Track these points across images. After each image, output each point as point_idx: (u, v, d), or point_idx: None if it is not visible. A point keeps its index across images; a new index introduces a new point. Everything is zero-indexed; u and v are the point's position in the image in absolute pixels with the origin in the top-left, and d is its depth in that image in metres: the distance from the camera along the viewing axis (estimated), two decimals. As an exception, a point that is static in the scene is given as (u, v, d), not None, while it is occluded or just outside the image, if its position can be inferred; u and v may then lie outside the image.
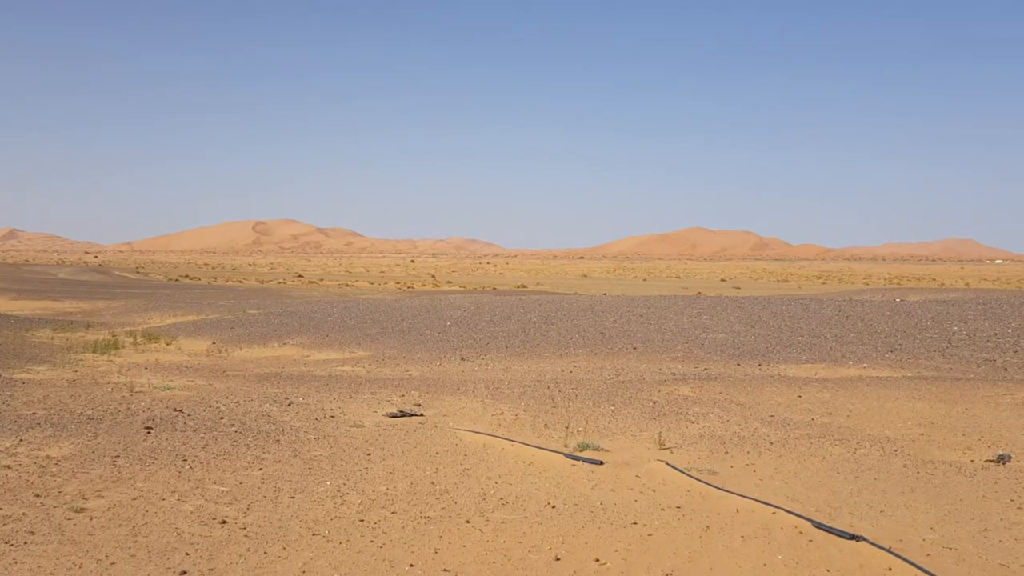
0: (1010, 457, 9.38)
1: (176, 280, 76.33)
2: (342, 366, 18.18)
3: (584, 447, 9.70)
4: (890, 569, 5.81)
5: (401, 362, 18.76)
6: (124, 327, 25.84)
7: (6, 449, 8.81)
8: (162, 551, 6.09)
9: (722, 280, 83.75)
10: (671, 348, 20.89)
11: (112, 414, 10.97)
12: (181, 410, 11.39)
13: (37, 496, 7.23)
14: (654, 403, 12.76)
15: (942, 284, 72.54)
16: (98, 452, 8.84)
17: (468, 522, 6.93)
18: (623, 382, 15.12)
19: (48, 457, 8.56)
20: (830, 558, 6.05)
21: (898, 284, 72.41)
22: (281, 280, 77.95)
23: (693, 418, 11.62)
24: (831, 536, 6.41)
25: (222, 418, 10.97)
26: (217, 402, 12.20)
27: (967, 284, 73.43)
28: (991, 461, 9.26)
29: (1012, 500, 7.72)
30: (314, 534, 6.57)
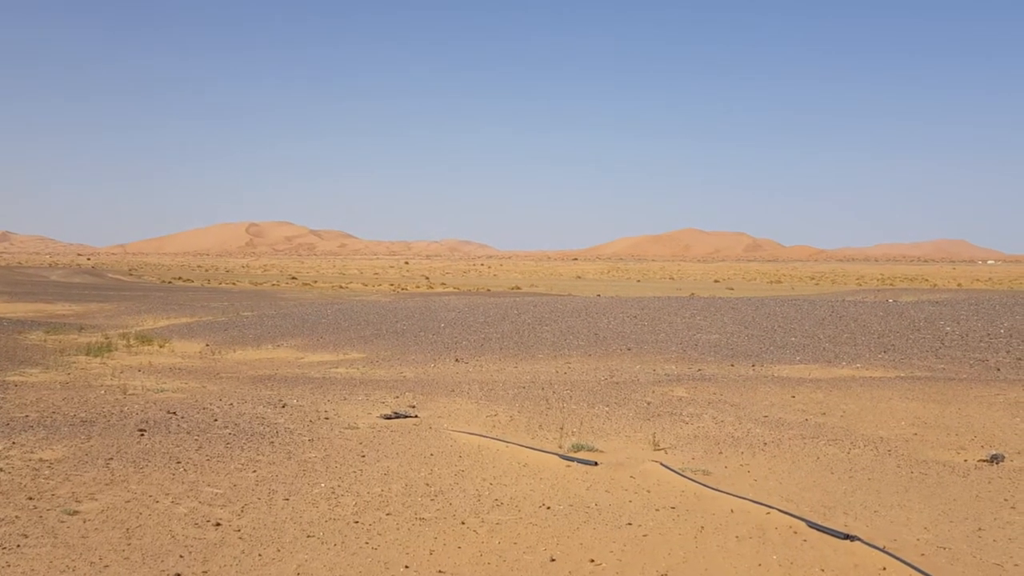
0: (1003, 457, 9.41)
1: (169, 282, 76.18)
2: (336, 368, 18.16)
3: (579, 448, 9.71)
4: (884, 569, 5.82)
5: (395, 364, 18.74)
6: (117, 329, 25.75)
7: (-1, 452, 8.77)
8: (156, 553, 6.07)
9: (716, 281, 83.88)
10: (665, 349, 20.91)
11: (105, 417, 10.93)
12: (174, 412, 11.36)
13: (30, 499, 7.19)
14: (648, 404, 12.77)
15: (934, 285, 72.78)
16: (91, 455, 8.81)
17: (463, 523, 6.92)
18: (617, 383, 15.13)
19: (41, 460, 8.53)
20: (825, 558, 6.06)
21: (891, 285, 72.63)
22: (275, 282, 77.87)
23: (687, 419, 11.63)
24: (825, 536, 6.42)
25: (216, 420, 10.95)
26: (211, 404, 12.17)
27: (959, 284, 73.69)
28: (984, 461, 9.29)
29: (1006, 500, 7.74)
30: (308, 536, 6.55)
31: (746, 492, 7.83)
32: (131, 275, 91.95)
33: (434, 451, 9.54)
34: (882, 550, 6.09)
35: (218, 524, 6.76)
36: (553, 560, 6.12)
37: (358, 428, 10.76)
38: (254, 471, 8.46)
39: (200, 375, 16.15)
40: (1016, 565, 6.01)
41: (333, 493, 7.74)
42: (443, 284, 69.18)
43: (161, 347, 21.36)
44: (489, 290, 57.71)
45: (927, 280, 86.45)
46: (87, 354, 18.62)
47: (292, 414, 11.57)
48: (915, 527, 6.87)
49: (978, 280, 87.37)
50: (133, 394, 12.91)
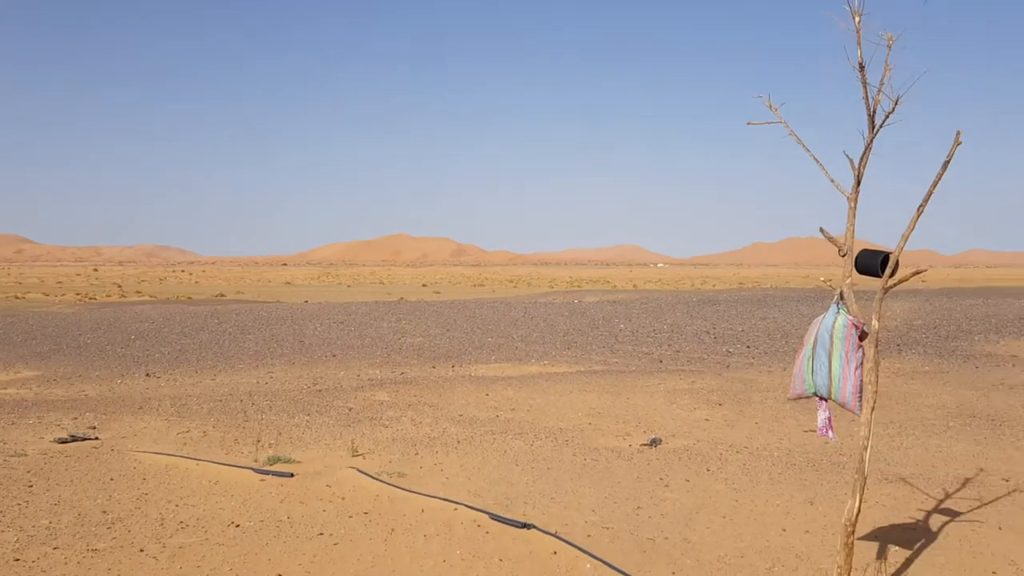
0: (661, 440, 10.65)
1: None
2: (4, 388, 16.16)
3: (275, 460, 9.51)
4: (555, 552, 6.37)
5: (76, 381, 17.07)
6: None
7: None
8: None
9: (424, 285, 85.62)
10: (370, 354, 21.08)
11: None
12: None
13: None
14: (350, 410, 12.81)
15: (614, 286, 79.96)
16: None
17: (142, 551, 6.52)
18: (320, 391, 15.00)
19: None
20: (503, 548, 6.50)
21: (578, 286, 78.65)
22: (-78, 292, 67.17)
23: (387, 422, 11.84)
24: (506, 527, 6.89)
25: None
26: None
27: (635, 285, 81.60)
28: (645, 445, 10.44)
29: (661, 479, 8.77)
30: (-45, 583, 5.83)
31: (438, 491, 8.16)
32: None
33: (115, 475, 8.86)
34: (554, 535, 6.66)
35: None
36: (240, 579, 5.97)
37: (27, 455, 9.69)
38: None
39: None
40: (666, 538, 6.85)
41: (-12, 531, 6.93)
42: (138, 292, 63.76)
43: None
44: (190, 298, 54.22)
45: (608, 282, 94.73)
46: None
47: (-61, 445, 10.14)
48: (585, 510, 7.58)
49: (650, 281, 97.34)
50: None
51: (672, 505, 7.79)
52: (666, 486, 8.49)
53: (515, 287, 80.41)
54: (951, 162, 5.11)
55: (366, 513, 7.48)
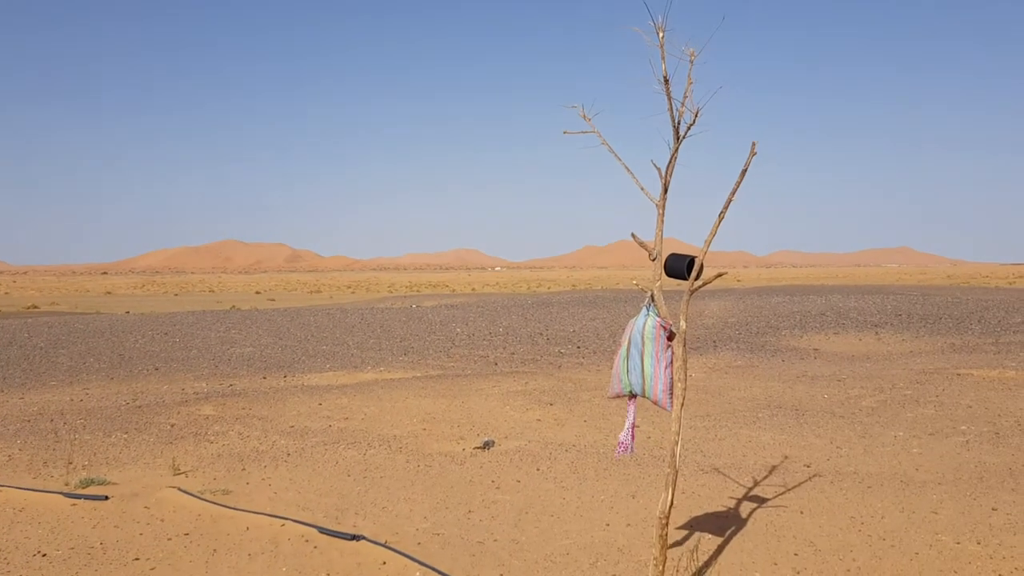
0: (494, 442, 10.79)
1: None
2: None
3: (88, 483, 8.93)
4: (385, 563, 6.33)
5: None
6: None
7: None
8: None
9: (257, 293, 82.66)
10: (196, 366, 20.13)
11: None
12: None
13: None
14: (172, 426, 12.20)
15: (453, 290, 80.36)
16: None
17: (-72, 591, 5.95)
18: (140, 407, 14.18)
19: None
20: (331, 561, 6.39)
21: (417, 291, 78.48)
22: None
23: (212, 437, 11.36)
24: (335, 539, 6.77)
25: None
26: None
27: (473, 289, 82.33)
28: (479, 448, 10.56)
29: (493, 481, 8.89)
30: None
31: (265, 507, 7.91)
32: None
33: None
34: (384, 545, 6.61)
35: None
36: (43, 614, 5.56)
37: None
38: None
39: None
40: (496, 540, 6.95)
41: None
42: (-68, 306, 57.94)
43: None
44: (-7, 310, 49.84)
45: (447, 286, 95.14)
46: None
47: None
48: (416, 518, 7.58)
49: (488, 285, 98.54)
50: None
51: (503, 507, 7.92)
52: (497, 488, 8.62)
53: (353, 293, 79.21)
54: (748, 171, 5.48)
55: (187, 534, 7.14)
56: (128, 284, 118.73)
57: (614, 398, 5.83)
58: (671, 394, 5.45)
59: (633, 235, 5.79)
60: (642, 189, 5.61)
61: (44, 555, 6.73)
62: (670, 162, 5.51)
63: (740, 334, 25.47)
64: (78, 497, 8.32)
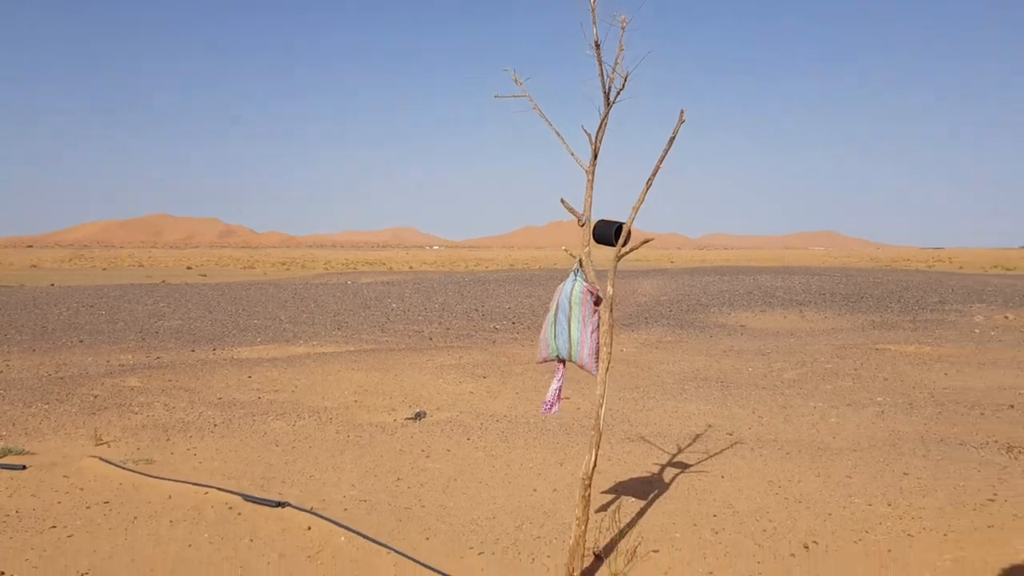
0: (425, 413, 10.80)
1: None
2: None
3: (6, 452, 8.68)
4: (309, 528, 6.29)
5: None
6: None
7: None
8: None
9: (188, 268, 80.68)
10: (123, 339, 19.64)
11: None
12: None
13: None
14: (95, 397, 11.90)
15: (391, 268, 79.79)
16: None
17: None
18: (63, 378, 13.79)
19: None
20: (256, 528, 6.33)
21: (354, 268, 77.69)
22: None
23: (137, 408, 11.13)
24: (259, 507, 6.71)
25: None
26: None
27: (411, 267, 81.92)
28: (410, 419, 10.55)
29: (423, 451, 8.90)
30: None
31: (189, 475, 7.79)
32: None
33: None
34: (309, 511, 6.58)
35: None
36: (-48, 582, 5.41)
37: None
38: None
39: None
40: (423, 506, 6.97)
41: None
42: None
43: None
44: (-98, 283, 47.70)
45: (384, 264, 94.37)
46: None
47: None
48: (344, 485, 7.55)
49: (426, 263, 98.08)
50: None
51: (432, 475, 7.94)
52: (427, 457, 8.63)
53: (288, 270, 78.00)
54: (676, 139, 5.56)
55: (107, 502, 6.99)
56: (55, 257, 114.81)
57: (542, 363, 5.90)
58: (596, 358, 5.52)
59: (563, 200, 5.82)
60: (572, 154, 5.65)
61: (-45, 524, 6.53)
62: (600, 127, 5.55)
63: (671, 311, 25.89)
64: (-7, 468, 8.07)
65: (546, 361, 5.78)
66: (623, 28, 5.44)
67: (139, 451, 8.87)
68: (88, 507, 6.88)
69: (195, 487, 7.26)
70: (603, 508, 6.80)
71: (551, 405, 5.77)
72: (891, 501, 6.91)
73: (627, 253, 5.63)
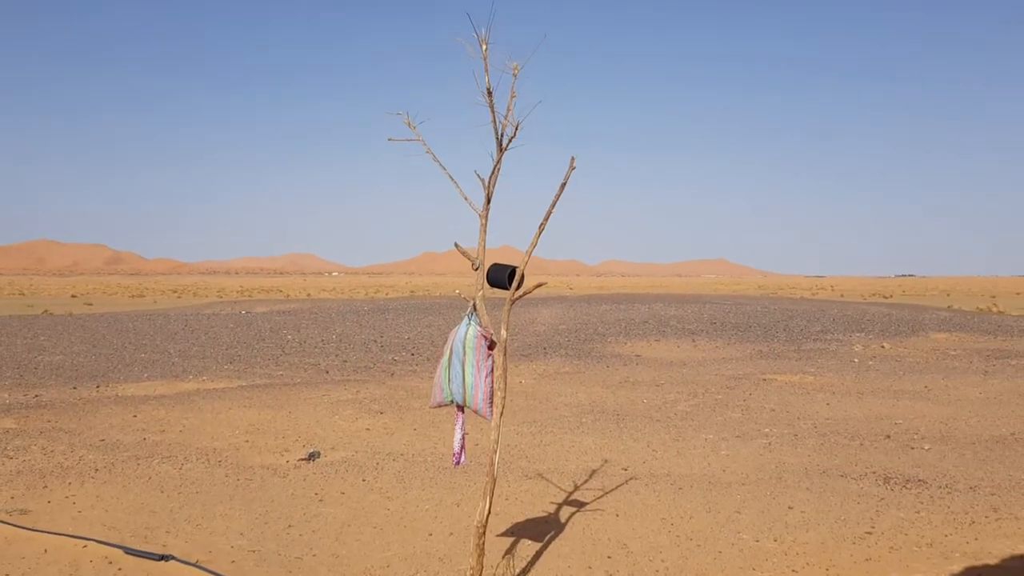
0: (320, 453, 10.57)
1: None
2: None
3: None
4: (196, 581, 6.07)
5: None
6: None
7: None
8: None
9: (73, 296, 76.97)
10: (-5, 376, 18.54)
11: None
12: None
13: None
14: (-36, 442, 11.18)
15: (288, 295, 78.10)
16: None
17: None
18: (-74, 421, 12.91)
19: None
20: (137, 583, 6.06)
21: (250, 296, 75.70)
22: None
23: (12, 452, 10.50)
24: (142, 560, 6.42)
25: None
26: None
27: (308, 295, 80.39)
28: (303, 459, 10.31)
29: (316, 494, 8.70)
30: None
31: (67, 527, 7.39)
32: None
33: None
34: (195, 564, 6.33)
35: None
36: None
37: None
38: None
39: None
40: (315, 555, 6.81)
41: None
42: None
43: None
44: None
45: (281, 291, 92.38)
46: None
47: None
48: (233, 534, 7.30)
49: (324, 291, 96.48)
50: None
51: (324, 520, 7.77)
52: (320, 501, 8.45)
53: (179, 298, 75.39)
54: (567, 184, 5.67)
55: (-27, 561, 6.56)
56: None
57: (436, 407, 5.86)
58: (491, 403, 5.54)
59: (456, 244, 5.86)
60: (465, 199, 5.69)
61: None
62: (493, 173, 5.61)
63: (569, 340, 26.23)
64: None
65: (440, 406, 5.76)
66: (515, 75, 5.54)
67: (13, 500, 8.38)
68: (-49, 566, 6.44)
69: (73, 539, 6.90)
70: (500, 552, 6.79)
71: (459, 456, 5.75)
72: (777, 536, 7.14)
73: (520, 297, 5.69)
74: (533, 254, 5.82)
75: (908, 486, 8.80)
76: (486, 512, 5.40)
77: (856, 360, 20.88)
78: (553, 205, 5.70)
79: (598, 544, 6.99)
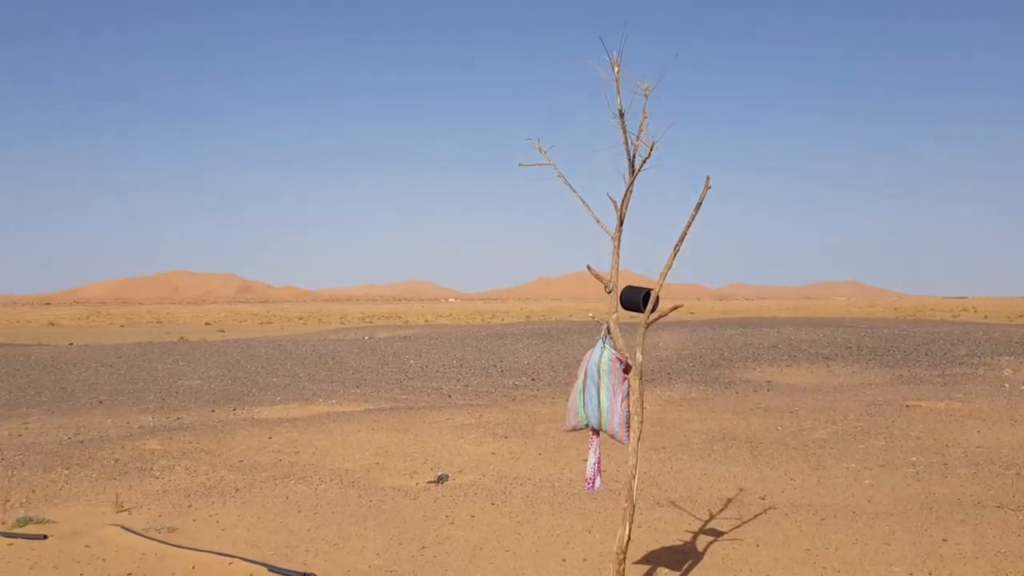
0: (448, 476, 10.65)
1: None
2: None
3: (26, 521, 8.58)
4: (336, 600, 6.16)
5: None
6: None
7: None
8: None
9: (207, 324, 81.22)
10: (142, 399, 19.63)
11: None
12: None
13: None
14: (116, 461, 11.85)
15: (406, 321, 79.87)
16: None
17: None
18: (83, 441, 13.76)
19: None
20: (281, 600, 6.20)
21: (370, 322, 77.83)
22: None
23: (158, 472, 11.05)
24: (284, 577, 6.58)
25: None
26: None
27: (427, 320, 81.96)
28: (432, 482, 10.40)
29: (447, 516, 8.75)
30: None
31: (212, 544, 7.68)
32: None
33: None
34: (335, 582, 6.44)
35: None
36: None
37: None
38: None
39: None
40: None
41: None
42: None
43: None
44: (-75, 342, 48.17)
45: (400, 317, 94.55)
46: None
47: None
48: (369, 554, 7.41)
49: (441, 316, 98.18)
50: None
51: (457, 543, 7.79)
52: (451, 523, 8.48)
53: (305, 324, 78.30)
54: (703, 204, 5.53)
55: (130, 574, 6.88)
56: (72, 315, 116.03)
57: (570, 431, 5.78)
58: (627, 427, 5.42)
59: (589, 267, 5.78)
60: (598, 221, 5.62)
61: (-24, 598, 6.43)
62: (626, 195, 5.53)
63: (694, 366, 25.65)
64: (15, 536, 7.98)
65: (574, 429, 5.68)
66: (646, 96, 5.45)
67: (161, 518, 8.77)
68: (110, 580, 6.78)
69: (219, 557, 7.14)
70: (635, 579, 6.61)
71: (592, 482, 5.64)
72: (932, 569, 6.69)
73: (656, 320, 5.56)
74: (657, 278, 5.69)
75: (1079, 522, 8.10)
76: (626, 538, 5.26)
77: (1007, 385, 19.54)
78: (688, 226, 5.56)
79: (739, 575, 6.71)
